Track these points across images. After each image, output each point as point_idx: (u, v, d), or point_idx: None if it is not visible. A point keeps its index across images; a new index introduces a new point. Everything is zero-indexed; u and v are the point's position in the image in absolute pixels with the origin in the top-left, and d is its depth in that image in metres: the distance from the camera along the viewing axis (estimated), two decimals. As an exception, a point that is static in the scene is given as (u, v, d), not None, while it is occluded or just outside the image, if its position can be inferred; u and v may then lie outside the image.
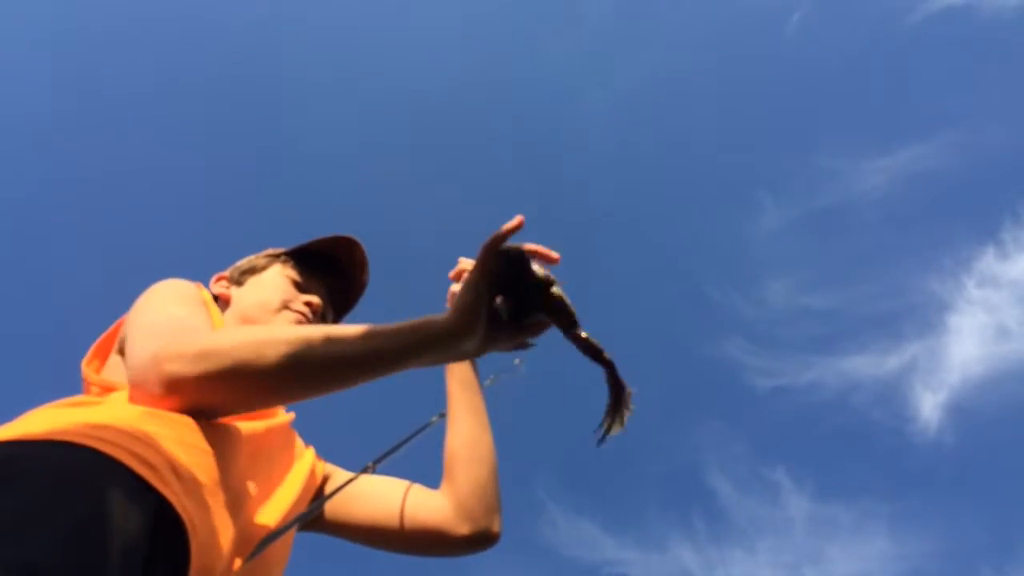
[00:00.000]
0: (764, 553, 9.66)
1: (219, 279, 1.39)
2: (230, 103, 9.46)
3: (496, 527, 1.20)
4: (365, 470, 1.14)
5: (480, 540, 1.18)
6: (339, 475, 1.26)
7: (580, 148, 10.71)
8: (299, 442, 1.23)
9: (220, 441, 0.94)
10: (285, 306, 1.31)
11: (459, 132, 10.23)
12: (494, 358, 1.25)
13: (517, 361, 1.38)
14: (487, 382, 1.37)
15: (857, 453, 10.04)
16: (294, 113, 9.79)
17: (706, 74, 10.54)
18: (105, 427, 0.81)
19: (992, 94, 9.68)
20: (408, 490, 1.22)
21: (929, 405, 9.59)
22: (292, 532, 1.10)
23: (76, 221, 8.52)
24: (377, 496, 1.21)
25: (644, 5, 10.43)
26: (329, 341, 0.90)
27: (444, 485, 1.22)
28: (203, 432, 0.92)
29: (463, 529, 1.17)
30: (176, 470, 0.82)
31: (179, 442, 0.87)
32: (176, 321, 0.98)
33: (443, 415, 1.27)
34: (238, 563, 0.88)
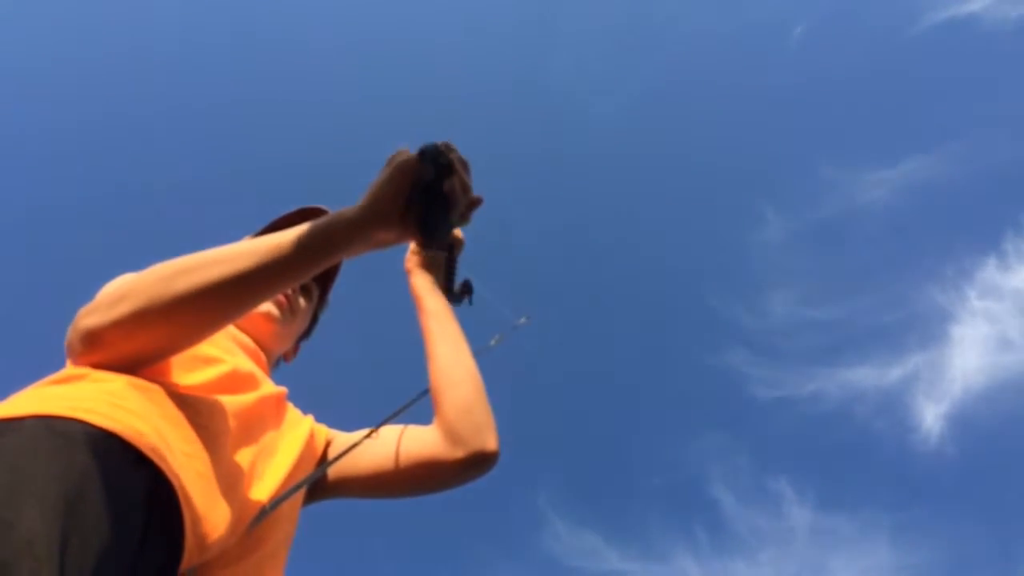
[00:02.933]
0: (766, 564, 9.60)
1: None
2: (233, 104, 9.53)
3: (490, 445, 1.16)
4: (369, 435, 1.16)
5: (476, 461, 1.15)
6: (341, 438, 1.26)
7: (583, 158, 10.74)
8: (295, 412, 1.24)
9: (209, 414, 0.94)
10: None
11: (464, 138, 10.25)
12: (501, 321, 1.28)
13: (523, 319, 1.41)
14: (492, 342, 1.38)
15: (859, 463, 9.99)
16: (304, 119, 9.85)
17: (709, 85, 10.59)
18: (92, 400, 0.82)
19: (994, 105, 9.72)
20: (402, 432, 1.21)
21: (931, 415, 9.55)
22: (297, 506, 1.11)
23: (75, 217, 8.57)
24: (373, 445, 1.20)
25: (648, 16, 10.50)
26: (245, 253, 0.91)
27: (434, 418, 1.20)
28: (191, 405, 0.92)
29: (457, 453, 1.14)
30: (167, 441, 0.82)
31: (166, 416, 0.87)
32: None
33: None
34: (238, 532, 0.88)
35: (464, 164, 1.03)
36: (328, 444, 1.25)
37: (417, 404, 1.19)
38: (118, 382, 0.88)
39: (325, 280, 1.53)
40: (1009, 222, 9.52)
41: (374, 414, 1.18)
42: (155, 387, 0.91)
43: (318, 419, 1.29)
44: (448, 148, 1.00)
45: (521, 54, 10.49)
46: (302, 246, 0.91)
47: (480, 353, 1.28)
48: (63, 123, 8.63)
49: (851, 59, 10.20)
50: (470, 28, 10.35)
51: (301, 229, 0.93)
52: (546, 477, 9.77)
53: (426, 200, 0.96)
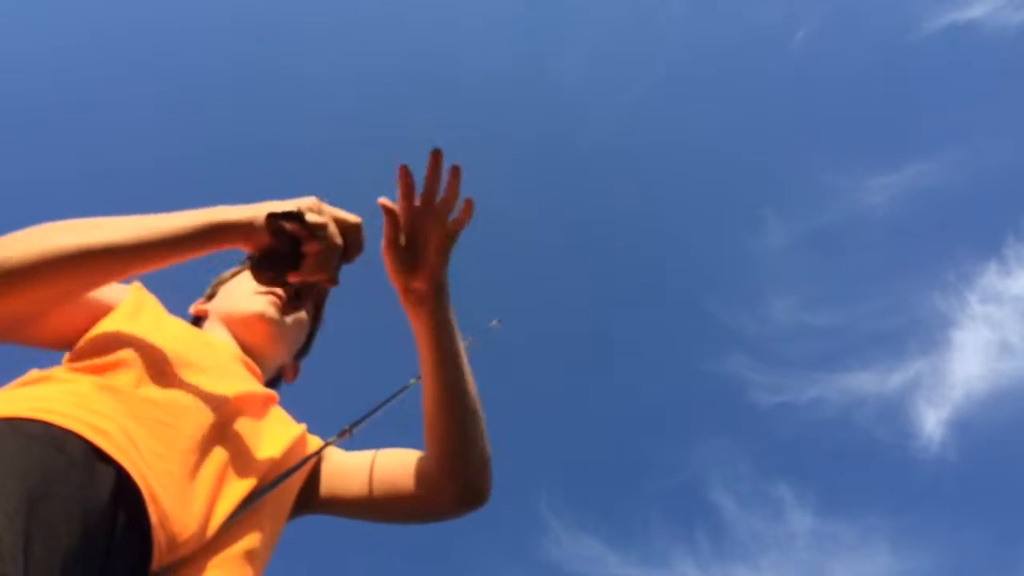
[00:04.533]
0: (767, 569, 9.59)
1: (195, 305, 1.42)
2: (230, 103, 9.56)
3: (481, 485, 1.14)
4: (343, 434, 1.14)
5: (465, 501, 1.14)
6: (336, 454, 1.24)
7: (584, 163, 10.76)
8: (284, 416, 1.21)
9: (182, 413, 0.94)
10: (255, 292, 1.30)
11: (465, 143, 10.29)
12: (468, 324, 1.27)
13: (494, 322, 1.41)
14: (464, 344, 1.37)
15: (860, 469, 9.98)
16: (305, 120, 9.89)
17: (710, 91, 10.61)
18: (56, 401, 0.82)
19: (995, 111, 9.72)
20: (398, 457, 1.19)
21: (932, 421, 9.54)
22: (282, 509, 1.08)
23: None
24: (367, 467, 1.19)
25: (648, 21, 10.53)
26: (124, 225, 0.91)
27: (426, 447, 1.17)
28: (162, 405, 0.92)
29: (447, 490, 1.13)
30: (133, 440, 0.82)
31: (135, 415, 0.87)
32: None
33: (420, 378, 1.21)
34: (211, 531, 0.87)
35: (333, 223, 0.99)
36: (322, 459, 1.23)
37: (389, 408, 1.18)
38: (85, 383, 0.88)
39: (318, 296, 1.50)
40: (1010, 227, 9.52)
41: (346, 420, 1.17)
42: (123, 388, 0.91)
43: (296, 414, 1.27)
44: (311, 209, 0.97)
45: (523, 56, 10.52)
46: (180, 233, 0.93)
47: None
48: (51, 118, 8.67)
49: (852, 64, 10.22)
50: (472, 29, 10.40)
51: (186, 218, 0.94)
52: (547, 482, 9.77)
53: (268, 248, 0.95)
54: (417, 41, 10.17)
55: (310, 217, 0.92)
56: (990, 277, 9.65)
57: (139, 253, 0.91)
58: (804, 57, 10.10)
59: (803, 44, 10.07)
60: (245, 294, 1.31)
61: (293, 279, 0.97)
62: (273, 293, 1.31)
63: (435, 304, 1.11)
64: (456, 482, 1.13)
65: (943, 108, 10.09)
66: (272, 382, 1.45)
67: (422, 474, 1.15)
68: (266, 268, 0.94)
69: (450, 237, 1.08)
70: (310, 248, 0.94)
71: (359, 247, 1.01)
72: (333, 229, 0.97)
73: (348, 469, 1.20)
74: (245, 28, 9.65)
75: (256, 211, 0.95)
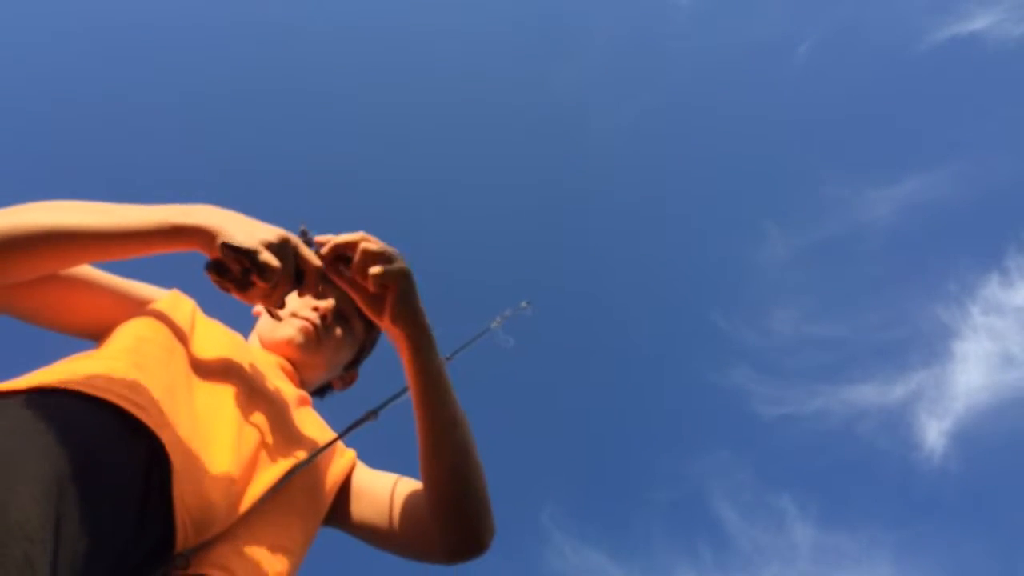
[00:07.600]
0: (769, 581, 9.56)
1: (256, 307, 1.44)
2: (230, 111, 9.59)
3: (479, 533, 1.11)
4: (368, 416, 1.14)
5: (461, 550, 1.12)
6: (361, 472, 1.24)
7: (586, 175, 10.79)
8: (315, 417, 1.24)
9: (209, 400, 0.97)
10: (292, 315, 1.32)
11: (468, 152, 10.35)
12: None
13: (524, 304, 1.41)
14: (493, 324, 1.36)
15: (862, 481, 9.95)
16: (306, 129, 9.92)
17: (713, 103, 10.65)
18: (92, 375, 0.83)
19: (997, 123, 9.77)
20: (406, 493, 1.18)
21: (934, 433, 9.51)
22: (318, 506, 1.09)
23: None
24: (379, 494, 1.19)
25: (651, 34, 10.59)
26: (90, 209, 0.92)
27: (433, 499, 1.12)
28: (191, 391, 0.95)
29: (438, 539, 1.11)
30: (166, 416, 0.84)
31: (167, 395, 0.88)
32: None
33: (449, 358, 1.21)
34: (237, 516, 0.88)
35: (292, 263, 0.97)
36: (353, 465, 1.24)
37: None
38: (122, 361, 0.89)
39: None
40: (1011, 239, 9.53)
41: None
42: (158, 371, 0.92)
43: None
44: (276, 244, 0.94)
45: (525, 68, 10.57)
46: (145, 228, 0.92)
47: (482, 335, 1.27)
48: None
49: (854, 77, 10.26)
50: (477, 41, 10.45)
51: (154, 213, 0.93)
52: (549, 494, 9.74)
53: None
54: (420, 48, 10.23)
55: (263, 257, 0.89)
56: (992, 288, 9.66)
57: (102, 241, 0.91)
58: (806, 70, 10.16)
59: (806, 57, 10.14)
60: (282, 316, 1.30)
61: (236, 296, 0.96)
62: (306, 319, 1.32)
63: (409, 349, 1.07)
64: (448, 530, 1.10)
65: (945, 120, 10.14)
66: (321, 390, 1.48)
67: (417, 518, 1.14)
68: (215, 275, 0.93)
69: (383, 288, 1.03)
70: (257, 280, 0.93)
71: (314, 286, 1.00)
72: (288, 269, 0.95)
73: (363, 491, 1.21)
74: (247, 29, 9.70)
75: (224, 222, 0.92)
